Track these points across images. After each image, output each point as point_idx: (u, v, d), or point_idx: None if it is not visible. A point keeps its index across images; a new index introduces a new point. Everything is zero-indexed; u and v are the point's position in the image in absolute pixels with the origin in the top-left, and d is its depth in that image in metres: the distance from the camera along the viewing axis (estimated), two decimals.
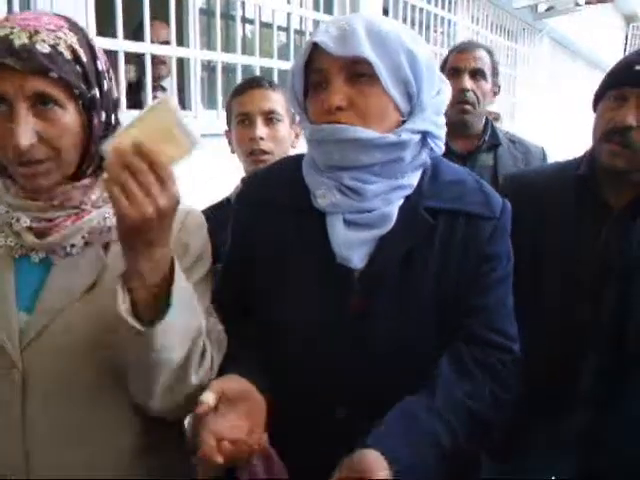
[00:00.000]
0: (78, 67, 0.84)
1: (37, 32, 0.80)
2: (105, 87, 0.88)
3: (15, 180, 0.88)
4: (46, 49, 0.80)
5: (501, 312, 0.96)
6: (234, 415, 0.83)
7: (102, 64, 0.89)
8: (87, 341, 0.86)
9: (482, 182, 0.99)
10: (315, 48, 0.90)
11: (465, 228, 0.93)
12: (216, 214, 1.55)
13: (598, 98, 1.28)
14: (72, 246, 0.88)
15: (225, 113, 1.58)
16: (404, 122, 0.92)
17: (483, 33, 5.70)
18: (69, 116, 0.83)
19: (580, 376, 1.23)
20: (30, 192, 0.87)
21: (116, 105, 0.93)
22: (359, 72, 0.88)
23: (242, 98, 1.47)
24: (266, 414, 0.88)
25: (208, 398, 0.81)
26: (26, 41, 0.79)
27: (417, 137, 0.92)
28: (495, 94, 1.98)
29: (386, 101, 0.90)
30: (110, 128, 0.91)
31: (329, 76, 0.89)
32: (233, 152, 1.55)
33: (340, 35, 0.87)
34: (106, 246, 0.91)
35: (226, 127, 1.58)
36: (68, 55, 0.82)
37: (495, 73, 1.95)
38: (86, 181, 0.89)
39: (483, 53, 1.92)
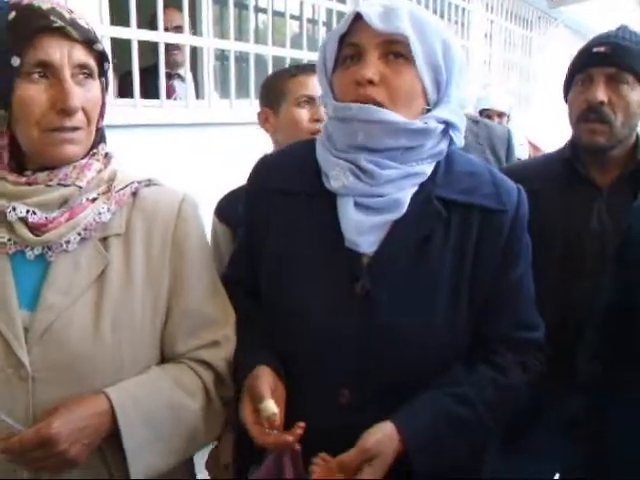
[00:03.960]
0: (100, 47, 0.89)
1: (71, 11, 0.86)
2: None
3: (10, 168, 0.87)
4: (85, 25, 0.86)
5: (528, 305, 0.99)
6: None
7: None
8: (93, 336, 0.87)
9: (496, 173, 0.99)
10: (354, 22, 0.91)
11: (480, 222, 0.93)
12: (238, 198, 1.56)
13: (567, 87, 1.38)
14: (67, 242, 0.88)
15: (269, 95, 1.56)
16: (428, 111, 0.92)
17: (498, 21, 5.63)
18: (97, 89, 0.89)
19: (579, 358, 1.24)
20: (51, 162, 0.87)
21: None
22: (395, 51, 0.89)
23: (305, 80, 1.48)
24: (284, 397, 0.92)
25: (274, 408, 0.84)
26: (69, 15, 0.84)
27: (441, 127, 0.93)
28: None
29: (417, 84, 0.90)
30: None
31: (364, 51, 0.90)
32: (271, 131, 1.55)
33: (384, 12, 0.88)
34: (104, 240, 0.91)
35: (259, 108, 1.56)
36: (97, 36, 0.89)
37: None
38: (83, 160, 0.90)
39: None
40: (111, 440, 0.86)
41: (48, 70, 0.83)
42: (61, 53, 0.83)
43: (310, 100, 1.47)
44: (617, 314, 1.12)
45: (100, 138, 0.94)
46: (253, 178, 1.08)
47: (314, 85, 1.46)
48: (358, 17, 0.89)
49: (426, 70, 0.90)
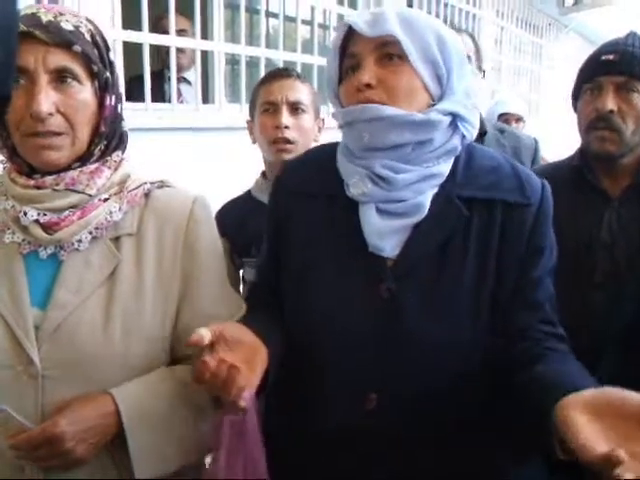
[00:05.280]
0: (96, 50, 0.89)
1: (61, 14, 0.86)
2: (115, 76, 0.93)
3: (21, 170, 0.88)
4: (70, 27, 0.85)
5: (549, 303, 0.96)
6: (230, 355, 0.79)
7: (111, 57, 0.93)
8: (102, 336, 0.87)
9: (518, 167, 0.98)
10: (350, 34, 0.93)
11: (503, 217, 0.92)
12: (239, 208, 1.56)
13: (576, 96, 1.35)
14: (79, 241, 0.89)
15: (249, 105, 1.59)
16: (433, 106, 0.93)
17: (508, 28, 5.63)
18: (86, 93, 0.87)
19: (599, 375, 1.22)
20: (40, 167, 0.87)
21: (121, 98, 0.95)
22: (389, 52, 0.90)
23: (269, 87, 1.48)
24: (265, 366, 0.85)
25: (203, 332, 0.77)
26: (52, 18, 0.84)
27: (447, 119, 0.92)
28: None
29: (415, 81, 0.91)
30: (118, 116, 0.94)
31: (361, 59, 0.92)
32: (254, 142, 1.56)
33: (372, 19, 0.90)
34: (116, 239, 0.92)
35: (248, 117, 1.58)
36: (88, 37, 0.88)
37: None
38: (92, 166, 0.90)
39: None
40: (119, 442, 0.87)
41: (25, 75, 0.83)
42: (35, 58, 0.82)
43: (272, 106, 1.45)
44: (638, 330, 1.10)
45: (117, 145, 0.94)
46: (275, 184, 1.08)
47: (276, 91, 1.45)
48: (352, 29, 0.92)
49: (423, 66, 0.91)
